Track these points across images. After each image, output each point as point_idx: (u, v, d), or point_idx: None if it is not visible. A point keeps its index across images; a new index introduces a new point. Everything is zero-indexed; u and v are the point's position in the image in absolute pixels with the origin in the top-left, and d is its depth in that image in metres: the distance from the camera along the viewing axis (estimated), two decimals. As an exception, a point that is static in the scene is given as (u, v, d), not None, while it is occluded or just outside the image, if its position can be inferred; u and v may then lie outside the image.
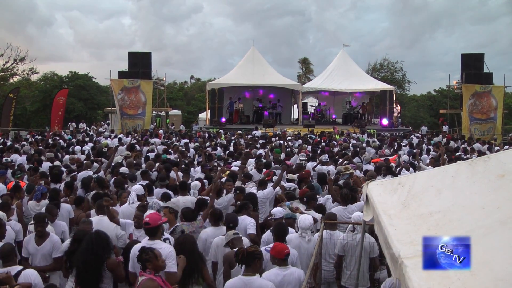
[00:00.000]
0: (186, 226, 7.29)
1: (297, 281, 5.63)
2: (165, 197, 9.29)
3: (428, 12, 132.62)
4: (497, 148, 19.56)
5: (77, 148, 17.58)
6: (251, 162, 13.63)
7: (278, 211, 7.76)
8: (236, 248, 5.78)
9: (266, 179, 10.75)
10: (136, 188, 9.07)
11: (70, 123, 35.70)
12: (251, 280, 5.23)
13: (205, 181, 11.09)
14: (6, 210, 7.91)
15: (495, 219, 2.81)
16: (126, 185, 10.37)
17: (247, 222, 7.66)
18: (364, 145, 19.22)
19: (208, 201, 8.57)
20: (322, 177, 11.26)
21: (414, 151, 17.01)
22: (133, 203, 8.57)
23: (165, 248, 5.71)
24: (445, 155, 15.58)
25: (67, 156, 15.24)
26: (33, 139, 21.64)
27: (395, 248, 2.97)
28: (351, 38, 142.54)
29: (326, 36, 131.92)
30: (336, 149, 17.57)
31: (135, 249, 5.69)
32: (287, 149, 17.03)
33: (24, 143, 19.82)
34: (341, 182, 10.98)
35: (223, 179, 10.46)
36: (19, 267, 5.63)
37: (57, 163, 13.42)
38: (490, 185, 3.23)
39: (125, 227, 7.47)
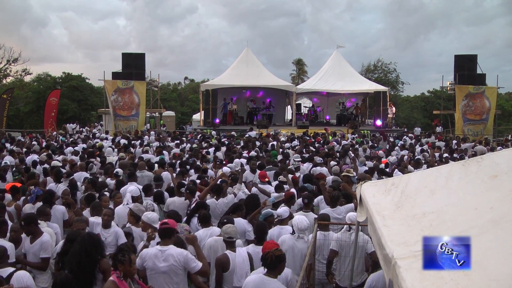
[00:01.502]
0: None
1: (284, 280, 5.66)
2: (157, 197, 9.30)
3: (423, 14, 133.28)
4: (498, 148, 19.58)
5: (69, 149, 17.50)
6: (238, 162, 13.59)
7: (284, 211, 7.77)
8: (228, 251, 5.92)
9: (266, 179, 10.80)
10: (131, 190, 9.05)
11: (68, 124, 35.52)
12: (270, 281, 5.28)
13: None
14: (3, 212, 7.94)
15: (488, 219, 2.81)
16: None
17: (246, 228, 7.70)
18: (357, 146, 19.27)
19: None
20: (307, 178, 11.29)
21: (403, 152, 17.11)
22: (127, 204, 8.57)
23: (181, 252, 5.77)
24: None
25: (59, 158, 15.18)
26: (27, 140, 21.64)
27: (388, 249, 2.97)
28: (346, 39, 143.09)
29: (321, 37, 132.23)
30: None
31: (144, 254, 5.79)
32: (281, 150, 17.09)
33: (35, 143, 19.80)
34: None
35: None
36: (11, 269, 5.62)
37: (55, 163, 13.36)
38: (483, 186, 3.24)
39: (92, 227, 7.47)
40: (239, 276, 5.98)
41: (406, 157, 15.76)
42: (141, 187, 9.79)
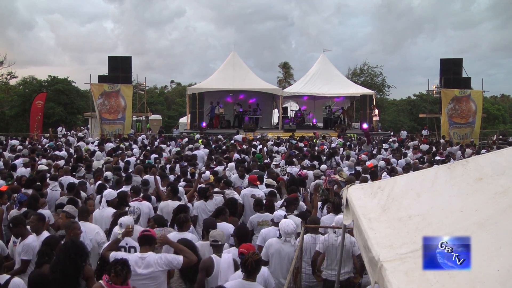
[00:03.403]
0: (159, 231, 7.27)
1: (261, 279, 5.69)
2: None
3: (411, 18, 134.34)
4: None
5: (63, 153, 17.37)
6: (232, 166, 13.69)
7: (276, 216, 7.77)
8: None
9: (258, 182, 10.81)
10: (106, 194, 8.95)
11: (58, 127, 35.21)
12: (252, 285, 5.33)
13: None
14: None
15: (473, 221, 2.83)
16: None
17: (231, 232, 7.66)
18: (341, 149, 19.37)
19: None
20: (293, 181, 11.32)
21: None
22: (103, 208, 8.56)
23: (160, 256, 5.83)
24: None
25: (43, 161, 15.07)
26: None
27: (374, 252, 2.97)
28: (333, 42, 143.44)
29: (309, 41, 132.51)
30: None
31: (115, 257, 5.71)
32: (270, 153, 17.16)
33: (20, 147, 19.61)
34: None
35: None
36: (7, 276, 5.60)
37: (42, 167, 13.28)
38: (468, 189, 3.26)
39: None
40: (223, 281, 5.96)
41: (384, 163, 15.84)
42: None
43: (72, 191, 10.01)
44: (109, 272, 5.02)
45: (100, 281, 5.06)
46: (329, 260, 7.37)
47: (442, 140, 25.30)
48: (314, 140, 23.72)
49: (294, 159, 15.21)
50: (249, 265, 5.29)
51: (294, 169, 13.85)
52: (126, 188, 10.03)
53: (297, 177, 12.21)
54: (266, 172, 12.78)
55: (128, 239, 6.70)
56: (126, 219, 6.82)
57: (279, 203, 9.42)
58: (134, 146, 20.55)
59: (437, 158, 16.93)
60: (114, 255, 5.83)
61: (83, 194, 10.32)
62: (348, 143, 22.61)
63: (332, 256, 7.28)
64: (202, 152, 17.88)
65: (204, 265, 6.20)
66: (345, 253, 6.72)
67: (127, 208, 8.39)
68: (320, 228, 8.04)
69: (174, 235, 7.19)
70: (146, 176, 11.87)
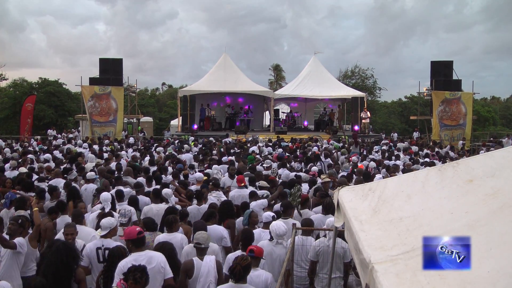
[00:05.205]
0: (149, 236, 7.23)
1: (263, 284, 5.67)
2: (131, 202, 9.27)
3: (403, 20, 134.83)
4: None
5: (47, 156, 17.30)
6: (217, 168, 13.68)
7: (265, 217, 7.76)
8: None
9: (243, 184, 10.80)
10: (103, 197, 8.90)
11: (49, 130, 34.99)
12: (243, 287, 5.30)
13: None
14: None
15: (463, 223, 2.84)
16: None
17: (223, 234, 7.66)
18: (334, 151, 19.39)
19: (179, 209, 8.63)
20: (289, 183, 11.30)
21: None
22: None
23: (158, 256, 5.79)
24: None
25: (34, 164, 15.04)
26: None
27: (366, 254, 2.97)
28: (326, 44, 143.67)
29: (301, 43, 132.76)
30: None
31: (124, 265, 5.62)
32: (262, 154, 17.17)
33: (8, 149, 19.54)
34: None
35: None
36: None
37: (22, 169, 13.23)
38: (458, 190, 3.27)
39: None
40: (202, 284, 5.95)
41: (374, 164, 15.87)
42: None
43: (52, 194, 9.95)
44: (127, 279, 4.95)
45: (114, 286, 5.01)
46: (320, 265, 7.36)
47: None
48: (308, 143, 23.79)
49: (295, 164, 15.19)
50: (237, 272, 5.26)
51: (285, 172, 13.84)
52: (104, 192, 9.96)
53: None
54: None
55: (106, 240, 6.68)
56: (106, 221, 6.80)
57: (276, 206, 9.39)
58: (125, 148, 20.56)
59: (426, 160, 17.01)
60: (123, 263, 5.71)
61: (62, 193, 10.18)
62: (341, 145, 22.69)
63: (324, 260, 7.27)
64: (190, 155, 17.85)
65: (184, 266, 6.19)
66: (336, 257, 6.72)
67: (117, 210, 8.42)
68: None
69: (164, 236, 7.19)
70: (139, 179, 11.85)
